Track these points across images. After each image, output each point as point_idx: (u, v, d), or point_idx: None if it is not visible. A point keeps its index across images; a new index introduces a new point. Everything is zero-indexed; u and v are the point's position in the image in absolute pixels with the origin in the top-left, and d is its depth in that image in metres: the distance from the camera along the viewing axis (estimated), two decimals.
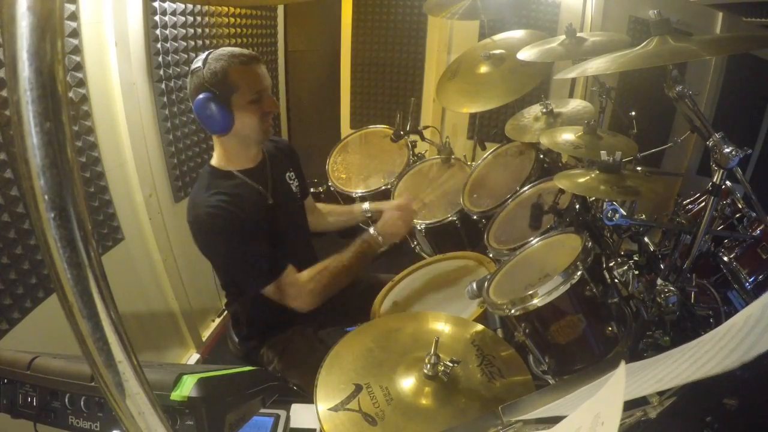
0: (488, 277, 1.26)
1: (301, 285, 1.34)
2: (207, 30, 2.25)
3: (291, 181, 1.57)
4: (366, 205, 1.76)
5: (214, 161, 1.43)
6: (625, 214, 1.16)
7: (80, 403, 0.79)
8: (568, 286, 1.06)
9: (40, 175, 0.32)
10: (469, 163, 1.98)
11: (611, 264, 1.17)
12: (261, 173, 1.46)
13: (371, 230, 1.43)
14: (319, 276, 1.36)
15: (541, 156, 1.70)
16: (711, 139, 1.05)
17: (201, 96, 1.28)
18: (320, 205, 1.82)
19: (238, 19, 2.51)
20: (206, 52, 1.32)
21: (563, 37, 1.58)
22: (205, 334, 2.41)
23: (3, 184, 1.34)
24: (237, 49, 1.33)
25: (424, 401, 0.94)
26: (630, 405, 0.58)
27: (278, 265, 1.33)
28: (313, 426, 1.10)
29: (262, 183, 1.45)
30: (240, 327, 1.60)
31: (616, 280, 1.17)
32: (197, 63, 1.30)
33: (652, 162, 2.51)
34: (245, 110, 1.31)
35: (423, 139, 2.21)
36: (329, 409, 0.93)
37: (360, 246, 1.41)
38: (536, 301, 1.08)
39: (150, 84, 1.92)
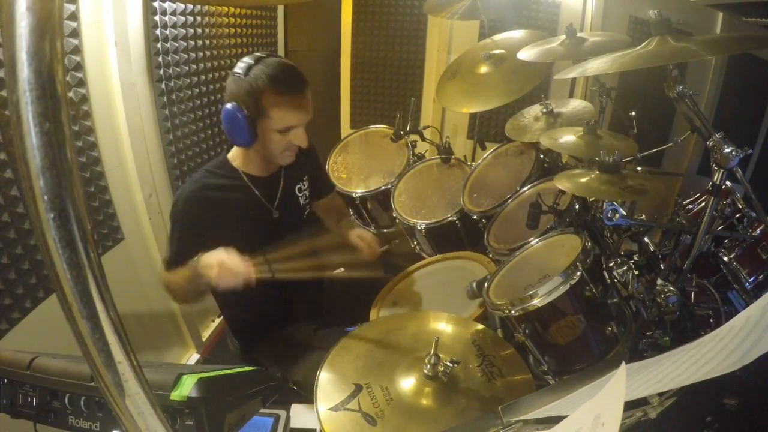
0: (488, 277, 1.26)
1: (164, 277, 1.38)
2: (207, 30, 2.24)
3: (300, 194, 1.53)
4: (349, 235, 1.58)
5: (231, 154, 1.41)
6: (625, 214, 1.16)
7: (80, 403, 0.78)
8: (567, 286, 1.07)
9: (39, 176, 0.32)
10: (469, 163, 1.98)
11: (611, 264, 1.17)
12: (271, 185, 1.44)
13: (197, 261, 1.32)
14: (167, 284, 1.38)
15: (541, 156, 1.70)
16: (711, 139, 1.05)
17: (229, 107, 1.24)
18: (337, 210, 1.77)
19: (238, 19, 2.51)
20: (256, 57, 1.25)
21: (563, 37, 1.58)
22: (205, 334, 2.41)
23: (3, 184, 1.34)
24: (287, 69, 1.25)
25: (424, 401, 0.95)
26: (630, 405, 0.58)
27: (179, 263, 1.32)
28: (313, 426, 1.10)
29: (269, 195, 1.43)
30: (236, 329, 1.60)
31: (615, 281, 1.17)
32: (240, 67, 1.24)
33: (652, 162, 2.51)
34: (269, 136, 1.27)
35: (423, 139, 2.21)
36: (329, 409, 0.93)
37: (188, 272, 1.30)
38: (536, 302, 1.08)
39: (150, 84, 1.92)
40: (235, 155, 1.41)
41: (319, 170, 1.66)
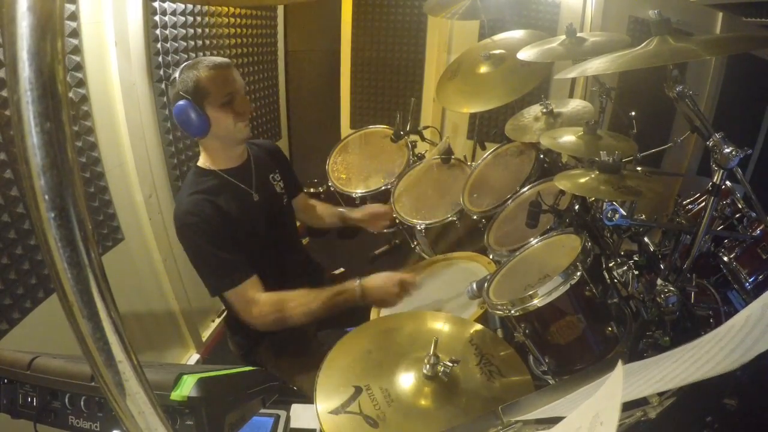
0: (488, 277, 1.26)
1: (257, 308, 1.33)
2: (207, 30, 2.25)
3: (275, 182, 1.62)
4: (352, 214, 1.85)
5: (200, 162, 1.49)
6: (625, 214, 1.16)
7: (80, 403, 0.78)
8: (567, 286, 1.06)
9: (40, 175, 0.32)
10: (469, 163, 1.98)
11: (611, 264, 1.17)
12: (245, 172, 1.52)
13: (357, 283, 1.33)
14: (278, 307, 1.34)
15: (541, 156, 1.70)
16: (711, 139, 1.04)
17: (177, 104, 1.36)
18: (316, 204, 1.89)
19: (238, 19, 2.51)
20: (183, 65, 1.40)
21: (563, 37, 1.58)
22: (205, 334, 2.41)
23: (3, 184, 1.34)
24: (208, 57, 1.41)
25: (424, 402, 0.94)
26: (630, 405, 0.58)
27: (242, 272, 1.33)
28: (313, 426, 1.10)
29: (246, 181, 1.51)
30: (235, 327, 1.60)
31: (615, 281, 1.17)
32: (174, 74, 1.39)
33: (652, 162, 2.51)
34: (219, 113, 1.37)
35: (423, 139, 2.21)
36: (330, 413, 0.92)
37: (335, 297, 1.34)
38: (536, 302, 1.08)
39: (150, 84, 1.92)
40: (203, 159, 1.48)
41: (290, 169, 1.75)
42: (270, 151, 1.69)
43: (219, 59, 1.41)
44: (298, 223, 1.81)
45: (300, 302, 1.34)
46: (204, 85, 1.35)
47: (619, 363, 0.47)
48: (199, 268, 1.36)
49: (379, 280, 1.36)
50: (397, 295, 1.34)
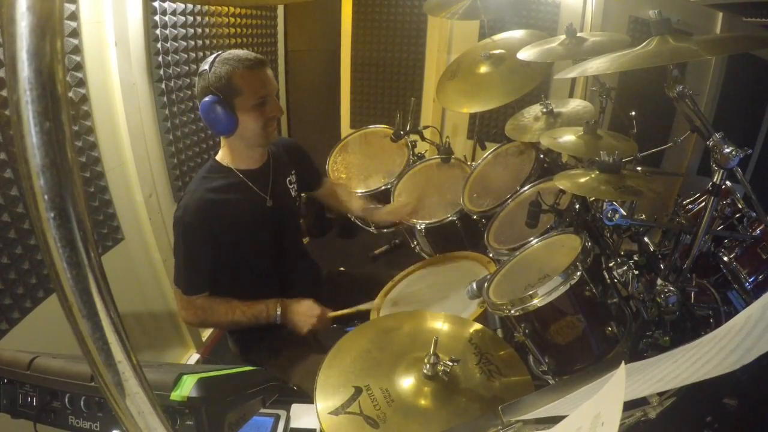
0: (488, 277, 1.26)
1: (188, 311, 1.43)
2: (207, 30, 2.24)
3: (290, 186, 1.61)
4: (380, 215, 1.85)
5: (219, 156, 1.47)
6: (625, 214, 1.16)
7: (80, 403, 0.78)
8: (567, 286, 1.06)
9: (39, 175, 0.32)
10: (469, 162, 1.98)
11: (611, 264, 1.17)
12: (262, 175, 1.50)
13: (278, 308, 1.43)
14: (204, 314, 1.43)
15: (541, 156, 1.70)
16: (711, 139, 1.04)
17: (206, 99, 1.31)
18: (340, 190, 1.90)
19: (238, 19, 2.51)
20: (214, 55, 1.34)
21: (563, 37, 1.58)
22: (205, 334, 2.41)
23: (3, 184, 1.34)
24: (244, 53, 1.34)
25: (424, 401, 0.94)
26: (630, 405, 0.58)
27: (196, 287, 1.40)
28: (313, 426, 1.10)
29: (262, 185, 1.49)
30: (234, 330, 1.60)
31: (615, 280, 1.16)
32: (204, 65, 1.33)
33: (652, 162, 2.51)
34: (249, 114, 1.34)
35: (423, 139, 2.21)
36: (330, 413, 0.92)
37: (259, 313, 1.43)
38: (536, 302, 1.08)
39: (150, 84, 1.92)
40: (223, 155, 1.46)
41: (307, 163, 1.74)
42: (288, 149, 1.66)
43: (255, 56, 1.35)
44: (301, 221, 1.82)
45: (222, 313, 1.42)
46: (237, 84, 1.30)
47: (622, 364, 0.47)
48: (174, 256, 1.44)
49: (303, 307, 1.45)
50: (312, 325, 1.42)
